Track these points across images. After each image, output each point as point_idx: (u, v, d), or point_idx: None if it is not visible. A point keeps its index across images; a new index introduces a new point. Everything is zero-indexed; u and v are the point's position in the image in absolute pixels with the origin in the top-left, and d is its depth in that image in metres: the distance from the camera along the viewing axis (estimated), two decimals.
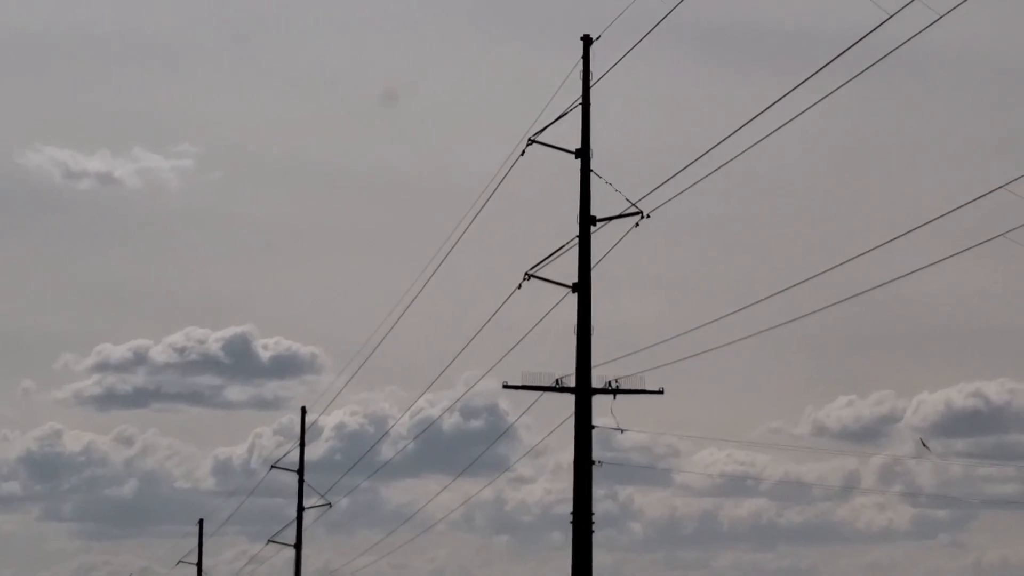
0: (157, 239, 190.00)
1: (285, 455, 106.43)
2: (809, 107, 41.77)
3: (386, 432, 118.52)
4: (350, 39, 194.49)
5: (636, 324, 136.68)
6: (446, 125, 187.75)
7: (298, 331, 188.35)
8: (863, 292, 47.02)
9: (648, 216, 50.42)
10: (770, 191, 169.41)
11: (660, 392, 52.31)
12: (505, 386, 52.07)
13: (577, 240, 51.67)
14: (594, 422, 51.60)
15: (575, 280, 51.59)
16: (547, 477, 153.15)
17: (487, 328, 56.90)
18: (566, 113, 51.87)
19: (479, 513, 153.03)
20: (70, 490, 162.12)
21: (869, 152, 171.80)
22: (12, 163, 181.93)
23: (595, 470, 51.45)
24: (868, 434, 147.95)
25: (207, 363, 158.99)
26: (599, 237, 51.62)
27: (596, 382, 51.61)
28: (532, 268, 52.06)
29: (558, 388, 51.72)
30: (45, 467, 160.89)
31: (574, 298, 51.58)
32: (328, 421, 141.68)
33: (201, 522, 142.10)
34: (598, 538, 51.52)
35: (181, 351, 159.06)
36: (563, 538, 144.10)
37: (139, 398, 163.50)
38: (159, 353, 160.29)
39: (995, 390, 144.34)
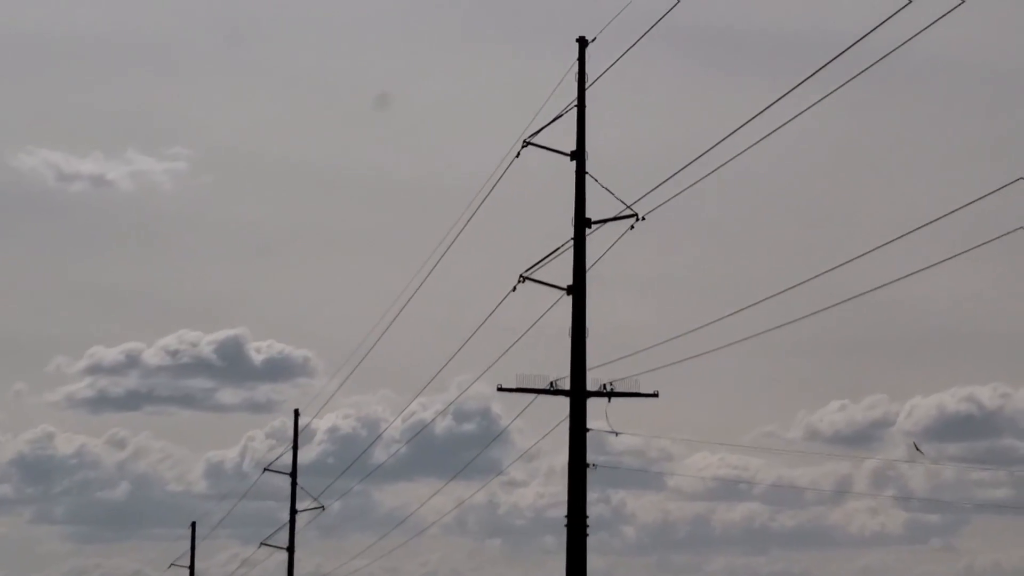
0: (150, 242, 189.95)
1: (278, 458, 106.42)
2: (804, 110, 41.77)
3: (379, 435, 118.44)
4: (345, 41, 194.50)
5: (630, 327, 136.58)
6: (441, 127, 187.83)
7: (291, 334, 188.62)
8: (856, 296, 47.07)
9: (643, 219, 50.37)
10: (765, 194, 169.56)
11: (655, 395, 52.23)
12: (499, 389, 51.97)
13: (572, 242, 51.58)
14: (588, 425, 51.50)
15: (570, 282, 51.49)
16: (540, 481, 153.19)
17: (481, 331, 56.85)
18: (561, 115, 51.82)
19: (472, 517, 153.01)
20: (62, 493, 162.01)
21: (864, 156, 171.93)
22: (5, 165, 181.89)
23: (589, 473, 51.34)
24: (861, 438, 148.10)
25: (200, 366, 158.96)
26: (594, 239, 51.55)
27: (591, 385, 51.50)
28: (527, 270, 51.98)
29: (553, 391, 51.61)
30: (37, 470, 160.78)
31: (569, 300, 51.48)
32: (321, 424, 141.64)
33: (193, 525, 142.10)
34: (591, 542, 51.43)
35: (174, 354, 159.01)
36: (555, 542, 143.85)
37: (132, 401, 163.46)
38: (152, 356, 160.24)
39: (988, 395, 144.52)
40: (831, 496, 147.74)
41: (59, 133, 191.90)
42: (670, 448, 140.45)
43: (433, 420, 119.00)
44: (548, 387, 51.68)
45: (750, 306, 49.31)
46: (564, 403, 51.75)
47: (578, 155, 51.76)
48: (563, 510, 51.74)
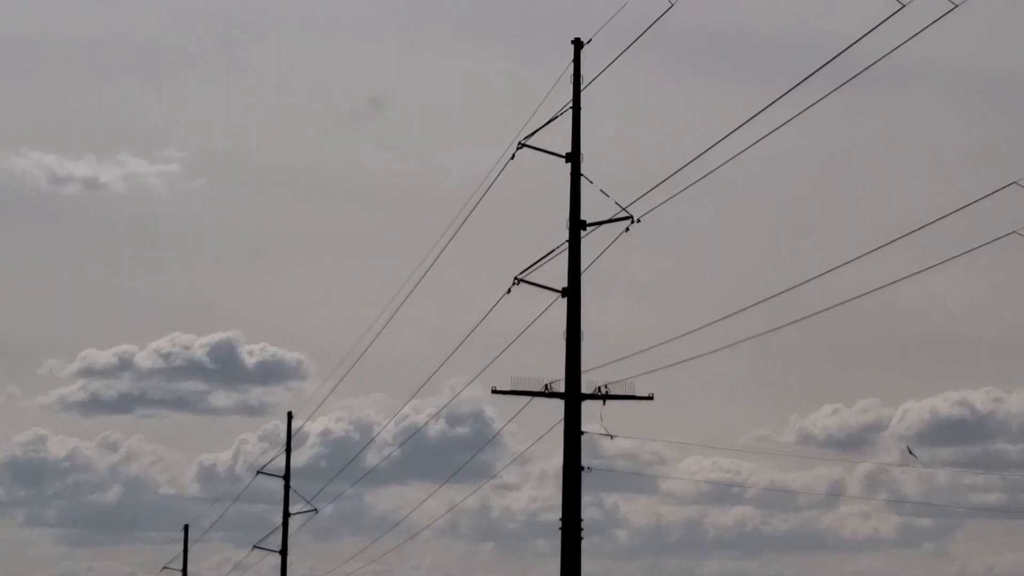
0: (143, 244, 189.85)
1: (271, 461, 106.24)
2: (798, 113, 41.82)
3: (372, 439, 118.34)
4: (338, 44, 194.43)
5: (625, 329, 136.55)
6: (435, 129, 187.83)
7: (284, 337, 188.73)
8: (849, 300, 47.05)
9: (638, 221, 50.29)
10: (759, 198, 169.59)
11: (650, 398, 52.17)
12: (494, 391, 51.85)
13: (567, 244, 51.50)
14: (583, 428, 51.40)
15: (565, 285, 51.41)
16: (532, 484, 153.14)
17: (475, 333, 56.74)
18: (556, 117, 51.72)
19: (464, 520, 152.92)
20: (54, 496, 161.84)
21: (857, 160, 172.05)
22: None
23: (582, 476, 51.24)
24: (854, 442, 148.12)
25: (192, 369, 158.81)
26: (589, 241, 51.51)
27: (585, 387, 51.42)
28: (521, 272, 51.87)
29: (547, 393, 51.52)
30: (29, 472, 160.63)
31: (563, 303, 51.40)
32: (313, 427, 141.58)
33: (186, 528, 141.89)
34: (583, 545, 51.29)
35: (166, 357, 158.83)
36: (548, 545, 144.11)
37: (124, 404, 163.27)
38: (144, 359, 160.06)
39: (980, 399, 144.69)
40: (824, 500, 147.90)
41: (52, 135, 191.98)
42: (663, 452, 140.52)
43: (426, 423, 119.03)
44: (543, 390, 51.59)
45: (744, 309, 49.30)
46: (557, 406, 51.68)
47: (573, 157, 51.68)
48: (556, 514, 51.68)
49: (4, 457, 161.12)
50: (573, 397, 51.21)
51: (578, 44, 51.76)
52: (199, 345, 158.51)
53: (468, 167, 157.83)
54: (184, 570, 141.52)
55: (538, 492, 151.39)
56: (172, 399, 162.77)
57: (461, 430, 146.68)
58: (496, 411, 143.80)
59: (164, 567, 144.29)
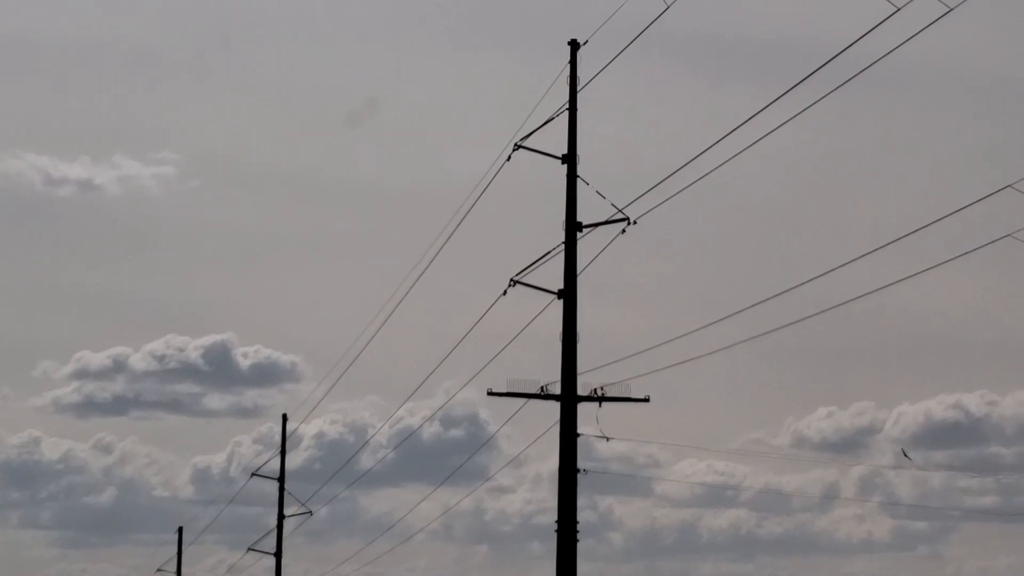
0: (137, 247, 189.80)
1: (265, 463, 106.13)
2: (794, 115, 41.74)
3: (366, 441, 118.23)
4: (333, 46, 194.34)
5: (621, 331, 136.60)
6: (431, 131, 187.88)
7: (278, 339, 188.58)
8: (845, 303, 47.00)
9: (635, 222, 50.19)
10: (754, 200, 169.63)
11: (646, 400, 52.10)
12: (490, 393, 51.74)
13: (563, 246, 51.40)
14: (578, 430, 51.30)
15: (561, 286, 51.32)
16: (527, 487, 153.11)
17: (471, 336, 56.63)
18: (553, 118, 51.61)
19: (459, 523, 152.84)
20: (48, 498, 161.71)
21: (852, 162, 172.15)
22: None
23: (578, 479, 51.14)
24: (848, 445, 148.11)
25: (187, 371, 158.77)
26: (585, 243, 51.41)
27: (581, 389, 51.31)
28: (517, 274, 51.76)
29: (543, 395, 51.42)
30: (23, 474, 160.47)
31: (559, 304, 51.31)
32: (308, 430, 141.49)
33: (180, 530, 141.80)
34: (578, 548, 51.19)
35: (161, 359, 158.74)
36: (543, 548, 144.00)
37: (118, 406, 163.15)
38: (139, 361, 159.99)
39: (975, 402, 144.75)
40: (818, 503, 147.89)
41: (47, 137, 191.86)
42: (658, 454, 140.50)
43: (421, 426, 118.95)
44: (539, 392, 51.50)
45: (740, 311, 49.23)
46: (552, 409, 51.59)
47: (569, 158, 51.59)
48: (550, 516, 51.61)
49: None
50: (569, 399, 51.11)
51: (575, 45, 51.69)
52: (193, 347, 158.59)
53: (464, 168, 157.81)
54: (178, 572, 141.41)
55: (533, 495, 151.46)
56: (166, 401, 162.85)
57: (456, 432, 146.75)
58: (491, 413, 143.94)
59: (158, 569, 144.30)
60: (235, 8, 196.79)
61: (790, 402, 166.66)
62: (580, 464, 51.10)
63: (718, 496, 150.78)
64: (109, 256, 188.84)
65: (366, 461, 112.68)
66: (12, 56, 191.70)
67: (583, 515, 51.27)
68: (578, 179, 51.49)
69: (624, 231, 50.51)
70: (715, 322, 50.34)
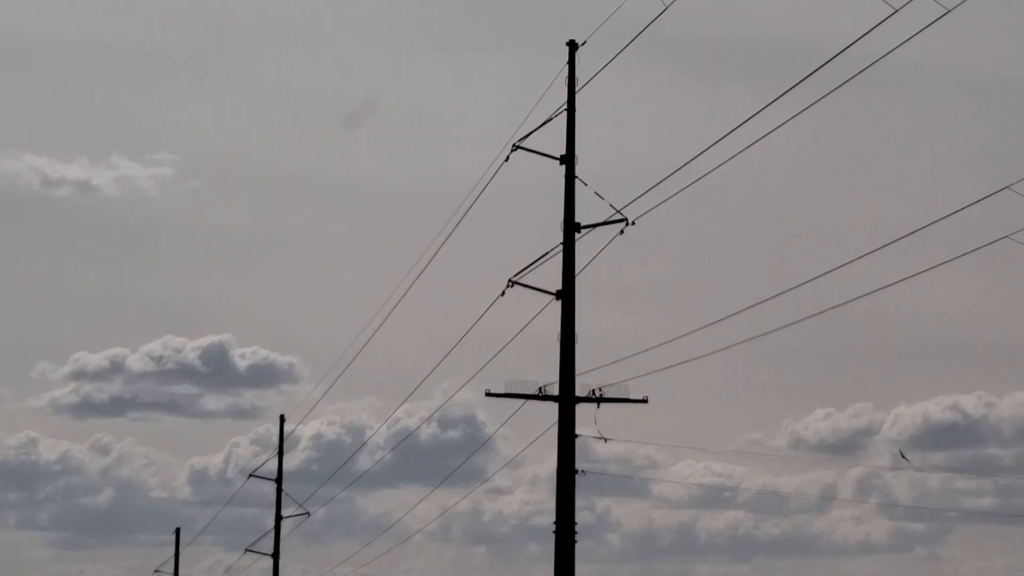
0: (135, 247, 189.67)
1: (262, 464, 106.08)
2: (792, 117, 41.72)
3: (364, 442, 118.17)
4: (331, 47, 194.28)
5: (619, 332, 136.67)
6: (429, 131, 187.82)
7: (276, 340, 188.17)
8: (842, 304, 46.95)
9: (633, 223, 50.13)
10: (752, 201, 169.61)
11: (644, 401, 52.03)
12: (488, 394, 51.68)
13: (561, 247, 51.36)
14: (576, 431, 51.25)
15: (559, 287, 51.27)
16: (525, 488, 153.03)
17: (469, 336, 56.57)
18: (551, 119, 51.56)
19: (456, 524, 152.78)
20: (46, 499, 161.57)
21: (850, 164, 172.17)
22: None
23: (576, 480, 51.08)
24: (846, 446, 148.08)
25: (184, 372, 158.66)
26: (583, 244, 51.36)
27: (579, 390, 51.25)
28: (515, 275, 51.70)
29: (541, 396, 51.36)
30: (20, 475, 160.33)
31: (558, 305, 51.25)
32: (305, 431, 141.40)
33: (178, 531, 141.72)
34: (576, 549, 51.14)
35: (158, 360, 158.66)
36: (540, 549, 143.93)
37: (116, 407, 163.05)
38: (136, 362, 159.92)
39: (972, 403, 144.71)
40: (816, 504, 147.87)
41: (44, 138, 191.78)
42: (655, 455, 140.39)
43: (419, 427, 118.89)
44: (537, 392, 51.44)
45: (738, 312, 49.19)
46: (549, 410, 51.54)
47: (568, 159, 51.54)
48: (548, 517, 51.56)
49: None
50: (567, 400, 51.06)
51: (573, 46, 51.64)
52: (191, 348, 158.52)
53: (462, 169, 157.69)
54: (175, 573, 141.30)
55: (530, 496, 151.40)
56: (164, 402, 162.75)
57: (453, 434, 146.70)
58: (488, 415, 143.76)
59: (156, 570, 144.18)
60: (233, 9, 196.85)
61: (788, 403, 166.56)
62: (578, 465, 51.05)
63: (716, 497, 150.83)
64: (107, 257, 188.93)
65: (364, 462, 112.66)
66: (9, 57, 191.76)
67: (581, 516, 51.24)
68: (576, 180, 51.43)
69: (622, 232, 50.46)
70: (713, 323, 50.32)
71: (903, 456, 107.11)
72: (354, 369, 77.83)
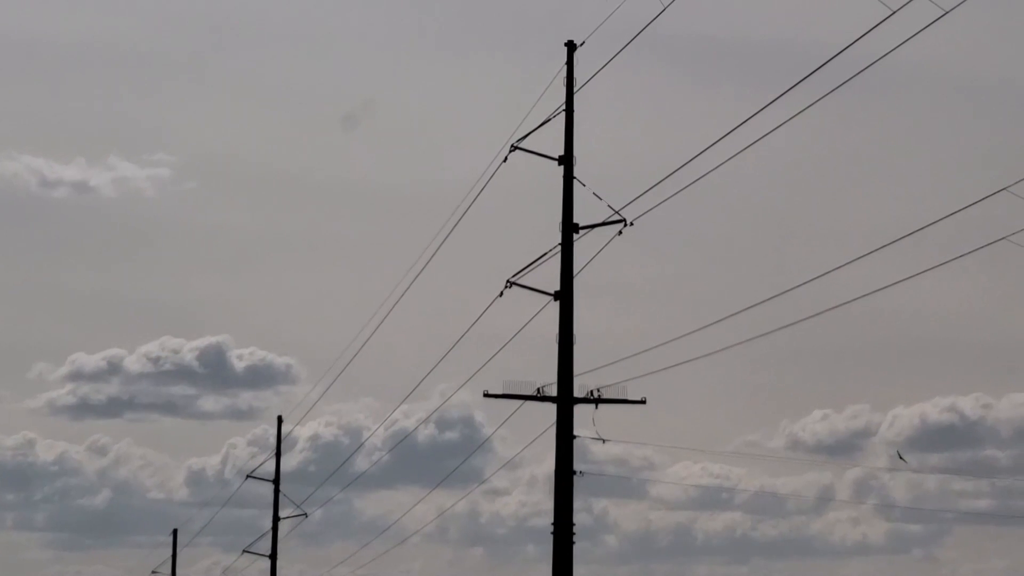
0: (133, 248, 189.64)
1: (260, 465, 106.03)
2: (791, 118, 41.75)
3: (361, 443, 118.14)
4: (329, 47, 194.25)
5: (617, 333, 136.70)
6: (427, 132, 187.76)
7: (273, 341, 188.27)
8: (840, 305, 46.94)
9: (631, 224, 50.10)
10: (750, 202, 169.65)
11: (642, 402, 51.99)
12: (486, 395, 51.62)
13: (559, 247, 51.32)
14: (574, 432, 51.21)
15: (557, 288, 51.23)
16: (522, 489, 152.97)
17: (467, 337, 56.54)
18: (549, 119, 51.54)
19: (454, 525, 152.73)
20: (43, 500, 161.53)
21: (848, 165, 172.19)
22: None
23: (574, 481, 51.05)
24: (843, 448, 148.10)
25: (182, 373, 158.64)
26: (581, 245, 51.32)
27: (577, 391, 51.21)
28: (514, 276, 51.67)
29: (539, 397, 51.32)
30: (18, 476, 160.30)
31: (556, 306, 51.22)
32: (303, 432, 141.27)
33: (175, 532, 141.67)
34: (574, 550, 51.09)
35: (156, 361, 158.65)
36: (537, 550, 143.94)
37: (113, 408, 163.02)
38: (133, 363, 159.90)
39: (970, 405, 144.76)
40: (813, 505, 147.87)
41: (42, 139, 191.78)
42: (653, 457, 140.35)
43: (416, 428, 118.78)
44: (535, 393, 51.40)
45: (736, 313, 49.17)
46: (547, 411, 51.51)
47: (566, 159, 51.52)
48: (546, 519, 51.52)
49: None
50: (565, 401, 51.03)
51: (571, 46, 51.61)
52: (188, 349, 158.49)
53: (460, 170, 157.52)
54: (173, 574, 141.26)
55: (528, 497, 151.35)
56: (161, 403, 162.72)
57: (451, 435, 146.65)
58: (486, 416, 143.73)
59: (153, 571, 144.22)
60: (230, 10, 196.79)
61: (785, 404, 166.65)
62: (576, 466, 51.02)
63: (713, 498, 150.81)
64: (104, 258, 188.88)
65: (361, 463, 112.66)
66: (7, 57, 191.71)
67: (578, 517, 51.22)
68: (574, 180, 51.41)
69: (620, 233, 50.43)
70: (711, 324, 50.30)
71: (900, 457, 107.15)
72: (352, 370, 77.86)
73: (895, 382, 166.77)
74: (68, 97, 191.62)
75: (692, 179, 46.37)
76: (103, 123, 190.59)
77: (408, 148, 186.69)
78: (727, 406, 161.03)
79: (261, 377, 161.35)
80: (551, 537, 51.01)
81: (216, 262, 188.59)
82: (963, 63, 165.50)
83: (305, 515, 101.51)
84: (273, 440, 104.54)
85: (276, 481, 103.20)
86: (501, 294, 51.93)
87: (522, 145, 51.79)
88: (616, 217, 50.33)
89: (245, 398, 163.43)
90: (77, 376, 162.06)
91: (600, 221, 50.83)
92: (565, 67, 51.61)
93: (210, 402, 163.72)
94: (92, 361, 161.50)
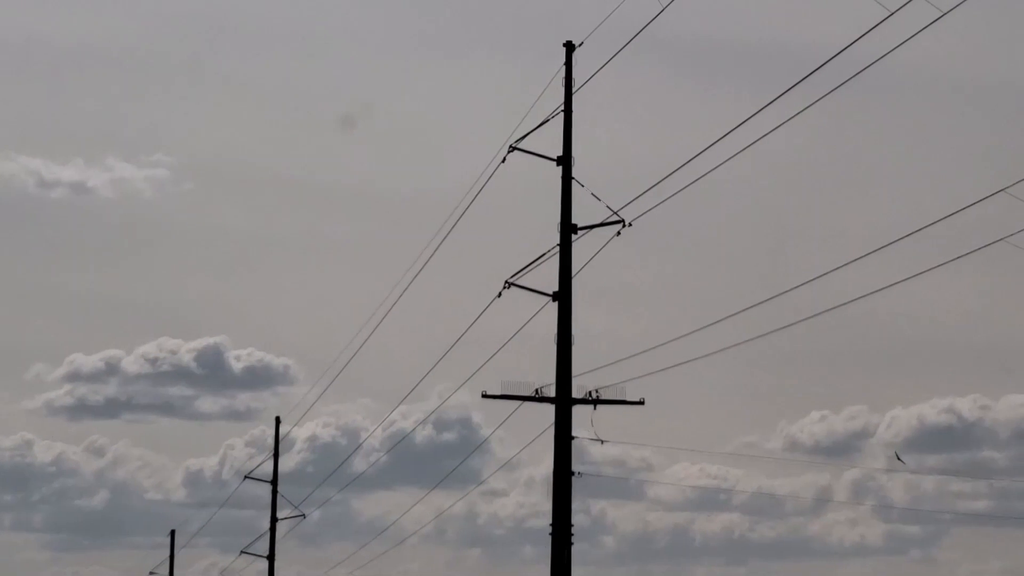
0: (131, 249, 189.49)
1: (258, 466, 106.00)
2: (789, 119, 41.76)
3: (359, 444, 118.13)
4: (327, 49, 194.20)
5: (616, 333, 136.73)
6: (425, 133, 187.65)
7: (271, 342, 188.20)
8: (838, 306, 46.96)
9: (630, 225, 50.10)
10: (749, 203, 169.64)
11: (641, 403, 51.96)
12: (484, 395, 51.59)
13: (558, 248, 51.31)
14: (572, 433, 51.19)
15: (555, 289, 51.21)
16: (520, 490, 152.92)
17: (465, 338, 56.52)
18: (548, 120, 51.54)
19: (451, 526, 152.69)
20: (40, 501, 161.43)
21: (846, 167, 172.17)
22: None
23: (572, 482, 51.03)
24: (841, 449, 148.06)
25: (179, 374, 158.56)
26: (580, 245, 51.30)
27: (576, 392, 51.19)
28: (512, 276, 51.68)
29: (538, 398, 51.31)
30: (15, 477, 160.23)
31: (554, 307, 51.20)
32: (301, 433, 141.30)
33: (173, 533, 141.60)
34: (571, 552, 51.05)
35: (153, 362, 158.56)
36: (535, 552, 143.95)
37: (111, 408, 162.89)
38: (131, 363, 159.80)
39: (968, 406, 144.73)
40: (811, 507, 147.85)
41: (40, 140, 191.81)
42: (650, 458, 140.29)
43: (414, 429, 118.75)
44: (533, 394, 51.39)
45: (734, 314, 49.18)
46: (545, 412, 51.49)
47: (564, 160, 51.51)
48: (543, 520, 51.52)
49: None
50: (563, 402, 51.01)
51: (570, 47, 51.61)
52: (186, 350, 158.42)
53: (459, 171, 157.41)
54: (171, 575, 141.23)
55: (525, 498, 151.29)
56: (159, 404, 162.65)
57: (449, 436, 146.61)
58: (484, 417, 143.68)
59: (151, 572, 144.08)
60: (228, 11, 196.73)
61: (783, 406, 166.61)
62: (574, 467, 51.01)
63: (711, 500, 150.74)
64: (102, 259, 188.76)
65: (359, 464, 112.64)
66: (5, 58, 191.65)
67: (576, 518, 51.21)
68: (573, 181, 51.41)
69: (619, 233, 50.44)
70: (709, 325, 50.30)
71: (898, 459, 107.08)
72: (350, 371, 77.84)
73: (893, 383, 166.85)
74: (66, 98, 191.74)
75: (691, 179, 46.42)
76: (101, 124, 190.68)
77: (406, 149, 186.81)
78: (725, 407, 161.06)
79: (259, 378, 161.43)
80: (549, 538, 51.00)
81: (214, 263, 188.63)
82: (962, 64, 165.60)
83: (303, 516, 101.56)
84: (271, 441, 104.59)
85: (274, 482, 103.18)
86: (499, 295, 51.96)
87: (521, 146, 51.81)
88: (615, 218, 50.35)
89: (243, 399, 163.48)
90: (75, 377, 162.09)
91: (599, 222, 50.85)
92: (564, 68, 51.62)
93: (208, 403, 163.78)
94: (90, 362, 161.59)
